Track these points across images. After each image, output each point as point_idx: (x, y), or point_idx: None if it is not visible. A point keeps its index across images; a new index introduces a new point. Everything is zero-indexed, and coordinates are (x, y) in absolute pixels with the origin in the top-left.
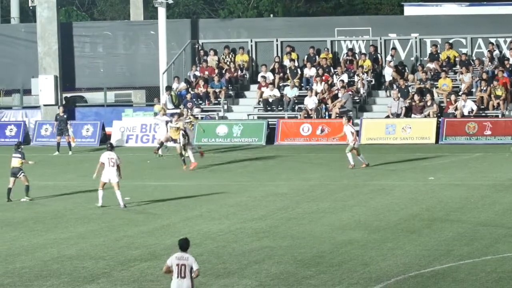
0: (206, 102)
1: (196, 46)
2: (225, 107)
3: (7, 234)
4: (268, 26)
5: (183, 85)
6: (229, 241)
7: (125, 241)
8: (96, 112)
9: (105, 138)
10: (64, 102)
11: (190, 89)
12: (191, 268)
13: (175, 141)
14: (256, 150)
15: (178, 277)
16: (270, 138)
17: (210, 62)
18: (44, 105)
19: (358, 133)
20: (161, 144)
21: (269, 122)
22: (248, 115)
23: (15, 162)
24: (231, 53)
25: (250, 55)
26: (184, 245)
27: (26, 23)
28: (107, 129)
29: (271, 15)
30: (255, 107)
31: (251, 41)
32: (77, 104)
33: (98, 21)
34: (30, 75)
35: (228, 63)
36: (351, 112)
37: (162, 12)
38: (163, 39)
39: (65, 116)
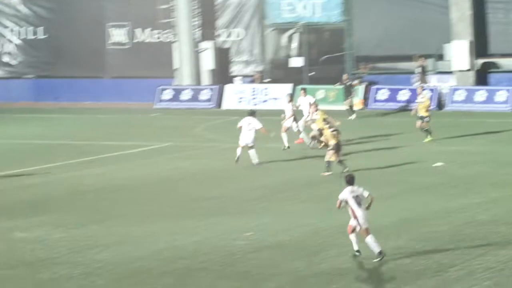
0: None
1: None
2: None
3: (420, 198)
4: None
5: None
6: None
7: None
8: (509, 78)
9: None
10: (477, 68)
11: None
12: (363, 197)
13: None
14: None
15: (357, 206)
16: None
17: None
18: (459, 71)
19: None
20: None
21: None
22: None
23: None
24: None
25: None
26: (352, 179)
27: None
28: None
29: None
30: None
31: None
32: (490, 70)
33: None
34: (443, 41)
35: None
36: None
37: None
38: None
39: (347, 83)
